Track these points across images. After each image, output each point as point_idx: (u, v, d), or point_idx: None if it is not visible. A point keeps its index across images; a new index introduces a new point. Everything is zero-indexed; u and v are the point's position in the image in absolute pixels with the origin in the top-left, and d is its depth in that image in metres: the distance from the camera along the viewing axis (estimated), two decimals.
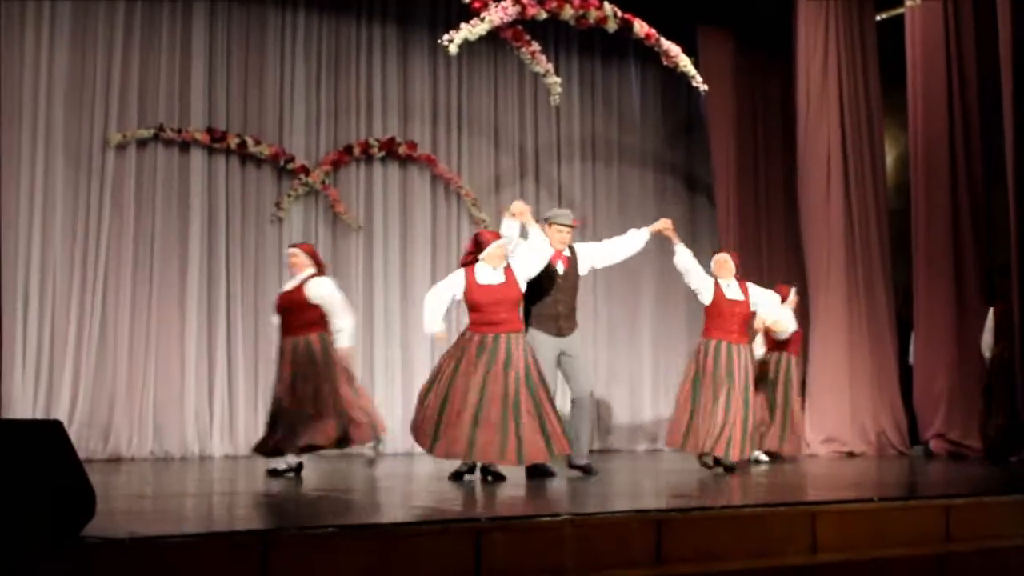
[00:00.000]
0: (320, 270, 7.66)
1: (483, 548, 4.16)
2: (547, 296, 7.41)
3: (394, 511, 5.18)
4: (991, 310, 9.58)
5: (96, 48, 9.91)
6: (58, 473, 3.61)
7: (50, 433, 3.66)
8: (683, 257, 7.90)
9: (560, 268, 7.46)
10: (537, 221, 7.28)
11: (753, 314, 8.01)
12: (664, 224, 7.87)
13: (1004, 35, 9.09)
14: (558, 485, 6.59)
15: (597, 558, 4.39)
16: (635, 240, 7.77)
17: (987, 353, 9.57)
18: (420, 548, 4.09)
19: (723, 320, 7.83)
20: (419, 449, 10.45)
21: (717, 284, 7.92)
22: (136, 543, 3.66)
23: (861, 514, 5.26)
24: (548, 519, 4.47)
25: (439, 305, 6.89)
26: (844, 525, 5.12)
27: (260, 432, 10.11)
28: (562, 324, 7.44)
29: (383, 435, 7.62)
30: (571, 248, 7.59)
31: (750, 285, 8.09)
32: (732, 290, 7.92)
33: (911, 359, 10.91)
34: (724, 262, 8.00)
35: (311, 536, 3.99)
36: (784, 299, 9.56)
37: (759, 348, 9.80)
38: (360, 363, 10.68)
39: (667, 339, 12.23)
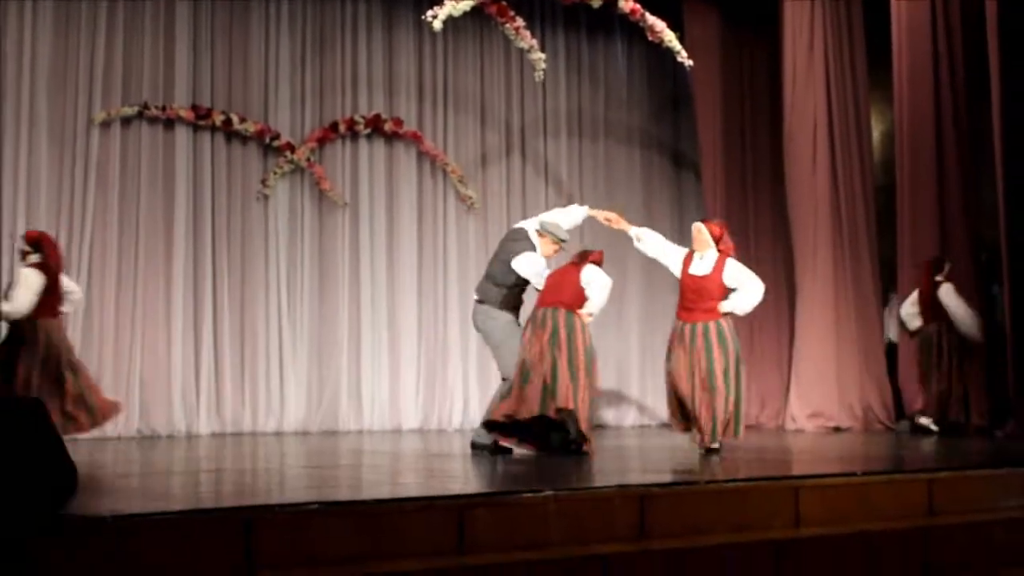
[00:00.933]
0: (45, 259, 7.91)
1: (467, 524, 4.17)
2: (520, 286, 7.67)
3: (379, 487, 5.19)
4: (916, 292, 9.78)
5: (80, 26, 9.84)
6: (39, 451, 3.60)
7: (30, 411, 3.65)
8: (641, 240, 7.56)
9: None
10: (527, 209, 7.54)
11: (731, 290, 7.23)
12: (607, 218, 7.73)
13: (990, 11, 9.07)
14: (542, 461, 6.60)
15: (581, 533, 4.41)
16: (573, 214, 7.83)
17: (914, 326, 9.75)
18: (405, 524, 4.10)
19: (684, 298, 7.27)
20: (406, 426, 10.67)
21: (688, 257, 7.32)
22: (119, 521, 3.66)
23: (845, 488, 5.29)
24: (532, 495, 4.48)
25: None
26: (828, 499, 5.15)
27: (247, 409, 10.24)
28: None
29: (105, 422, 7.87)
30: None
31: (730, 263, 7.24)
32: (701, 264, 7.24)
33: (888, 333, 10.96)
34: (697, 232, 7.31)
35: (296, 513, 3.99)
36: (940, 271, 9.62)
37: (915, 321, 9.76)
38: (347, 339, 10.72)
39: (654, 313, 12.19)
